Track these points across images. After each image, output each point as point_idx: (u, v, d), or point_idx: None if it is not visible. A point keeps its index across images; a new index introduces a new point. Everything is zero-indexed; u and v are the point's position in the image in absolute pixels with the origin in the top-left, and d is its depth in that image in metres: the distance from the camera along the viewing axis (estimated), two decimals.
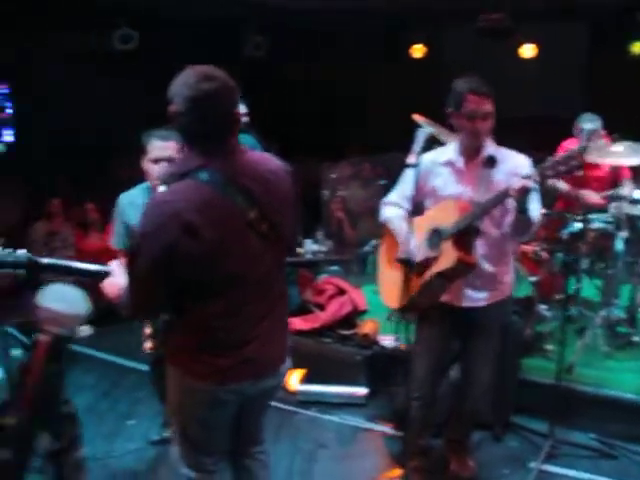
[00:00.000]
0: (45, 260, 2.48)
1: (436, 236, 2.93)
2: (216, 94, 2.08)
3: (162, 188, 3.00)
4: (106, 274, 2.42)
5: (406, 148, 2.89)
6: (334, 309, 4.19)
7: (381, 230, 3.34)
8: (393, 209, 3.20)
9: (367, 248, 5.59)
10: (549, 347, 4.27)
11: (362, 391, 4.16)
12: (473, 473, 3.47)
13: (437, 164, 3.09)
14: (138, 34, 7.16)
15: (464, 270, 2.93)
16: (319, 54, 9.03)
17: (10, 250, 2.44)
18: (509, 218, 2.93)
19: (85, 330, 5.39)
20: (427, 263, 2.95)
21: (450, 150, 3.10)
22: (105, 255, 6.28)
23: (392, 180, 3.36)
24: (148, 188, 3.23)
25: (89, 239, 6.74)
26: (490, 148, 3.01)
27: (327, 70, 9.13)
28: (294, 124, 9.06)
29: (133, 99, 7.52)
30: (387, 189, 3.36)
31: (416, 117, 5.00)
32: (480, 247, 3.00)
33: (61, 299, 1.51)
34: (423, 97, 6.66)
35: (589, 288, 4.75)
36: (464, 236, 2.92)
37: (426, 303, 3.05)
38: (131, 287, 2.15)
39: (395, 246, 3.17)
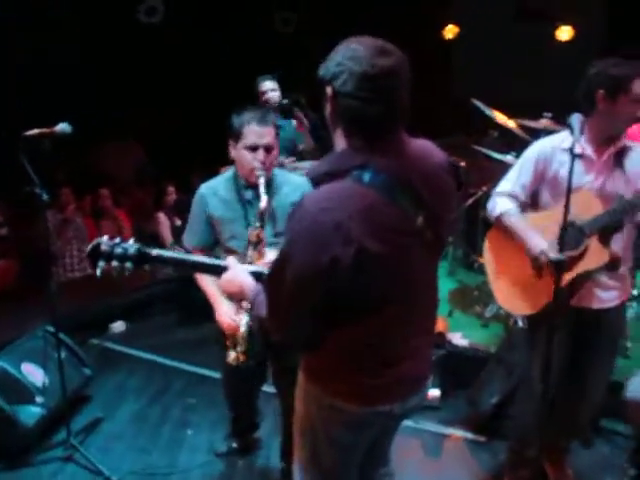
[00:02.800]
0: (155, 252, 2.16)
1: (575, 232, 2.65)
2: (394, 72, 1.71)
3: (262, 180, 2.71)
4: (223, 269, 2.12)
5: None
6: None
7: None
8: (507, 202, 2.90)
9: None
10: (628, 345, 4.06)
11: (436, 393, 3.88)
12: None
13: (560, 151, 2.79)
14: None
15: (608, 268, 2.70)
16: None
17: (117, 241, 2.12)
18: None
19: (118, 326, 5.02)
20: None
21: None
22: None
23: None
24: (233, 178, 2.89)
25: (102, 229, 6.31)
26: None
27: None
28: None
29: None
30: None
31: (475, 101, 4.75)
32: (613, 243, 2.74)
33: None
34: None
35: None
36: (607, 232, 2.67)
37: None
38: (274, 307, 1.84)
39: (511, 245, 2.90)
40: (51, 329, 3.61)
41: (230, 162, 2.92)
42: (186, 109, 7.69)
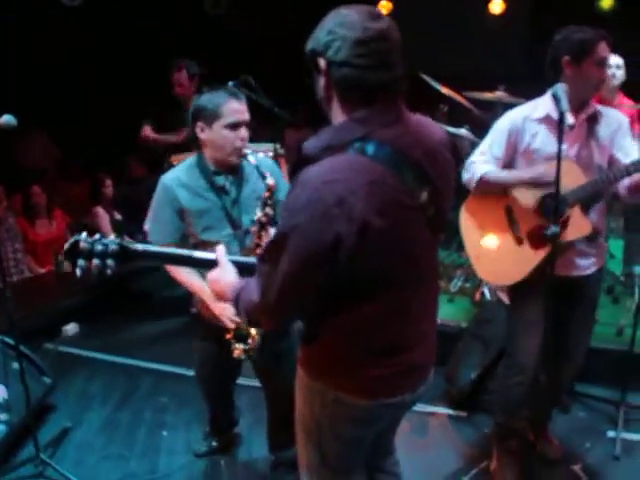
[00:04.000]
0: (140, 247, 2.00)
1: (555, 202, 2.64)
2: (389, 35, 1.64)
3: (251, 158, 2.57)
4: (212, 264, 1.98)
5: None
6: None
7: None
8: (486, 164, 2.85)
9: None
10: None
11: None
12: (561, 451, 3.29)
13: (531, 121, 2.79)
14: None
15: (589, 239, 2.72)
16: None
17: (97, 237, 1.95)
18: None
19: (72, 329, 4.75)
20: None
21: (546, 104, 2.78)
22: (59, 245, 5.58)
23: None
24: (198, 165, 2.71)
25: (37, 228, 5.96)
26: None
27: None
28: None
29: None
30: None
31: (424, 76, 4.71)
32: (592, 212, 2.77)
33: None
34: None
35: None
36: (588, 202, 2.68)
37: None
38: (269, 291, 1.69)
39: (490, 214, 2.88)
40: (9, 341, 3.36)
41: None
42: (112, 95, 7.35)
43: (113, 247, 1.95)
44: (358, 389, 1.84)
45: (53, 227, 6.00)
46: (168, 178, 2.73)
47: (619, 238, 5.00)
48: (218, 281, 1.95)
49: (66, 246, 1.95)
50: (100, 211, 6.29)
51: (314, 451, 2.01)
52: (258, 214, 2.57)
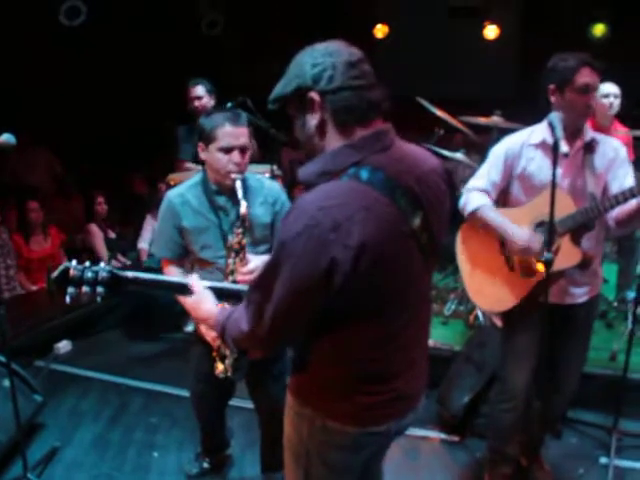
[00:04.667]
0: (130, 274, 2.04)
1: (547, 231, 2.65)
2: (366, 58, 1.70)
3: (239, 184, 2.59)
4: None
5: None
6: None
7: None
8: (481, 196, 2.88)
9: None
10: None
11: None
12: (553, 477, 3.27)
13: (527, 146, 2.81)
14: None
15: (580, 267, 2.72)
16: None
17: (87, 264, 1.98)
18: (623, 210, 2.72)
19: (64, 346, 4.73)
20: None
21: (542, 130, 2.81)
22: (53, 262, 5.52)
23: None
24: (202, 184, 2.74)
25: (32, 245, 5.93)
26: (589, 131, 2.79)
27: None
28: None
29: None
30: None
31: (420, 100, 4.74)
32: (585, 241, 2.77)
33: None
34: None
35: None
36: (578, 231, 2.70)
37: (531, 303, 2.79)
38: (260, 319, 1.69)
39: (484, 241, 2.89)
40: (1, 358, 3.34)
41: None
42: (111, 114, 7.39)
43: (103, 275, 1.99)
44: (346, 416, 1.83)
45: (48, 244, 5.98)
46: (173, 194, 2.77)
47: (613, 263, 5.01)
48: (196, 308, 2.01)
49: (55, 273, 1.98)
50: (94, 229, 6.30)
51: (303, 477, 1.99)
52: (230, 240, 2.59)
